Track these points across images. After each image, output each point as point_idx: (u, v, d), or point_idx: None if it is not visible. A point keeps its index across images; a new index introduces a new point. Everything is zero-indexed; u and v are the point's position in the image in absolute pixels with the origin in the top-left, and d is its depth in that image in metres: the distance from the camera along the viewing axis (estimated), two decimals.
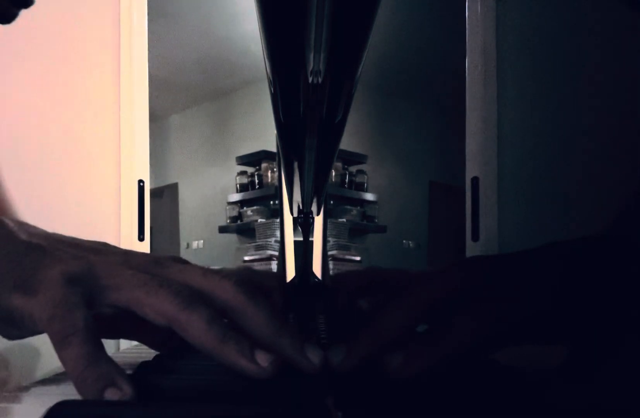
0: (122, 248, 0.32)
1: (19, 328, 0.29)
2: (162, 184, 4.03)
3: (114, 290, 0.28)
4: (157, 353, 0.35)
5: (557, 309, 0.29)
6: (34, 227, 0.32)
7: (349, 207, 3.39)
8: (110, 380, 0.24)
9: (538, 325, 0.29)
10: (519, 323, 0.28)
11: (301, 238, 0.95)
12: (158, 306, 0.27)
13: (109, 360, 0.26)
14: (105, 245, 0.32)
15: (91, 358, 0.25)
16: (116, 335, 0.35)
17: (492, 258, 0.33)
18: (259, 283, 0.38)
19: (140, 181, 1.59)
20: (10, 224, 0.31)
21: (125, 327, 0.34)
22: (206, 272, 0.29)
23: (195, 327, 0.26)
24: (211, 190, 3.89)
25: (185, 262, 0.32)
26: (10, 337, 0.30)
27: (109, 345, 0.29)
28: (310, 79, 0.34)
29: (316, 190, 0.70)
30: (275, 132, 0.55)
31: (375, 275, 0.41)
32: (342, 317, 0.52)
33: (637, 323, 0.29)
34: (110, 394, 0.24)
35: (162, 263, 0.30)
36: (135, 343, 0.38)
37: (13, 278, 0.28)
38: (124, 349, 0.45)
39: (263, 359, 0.26)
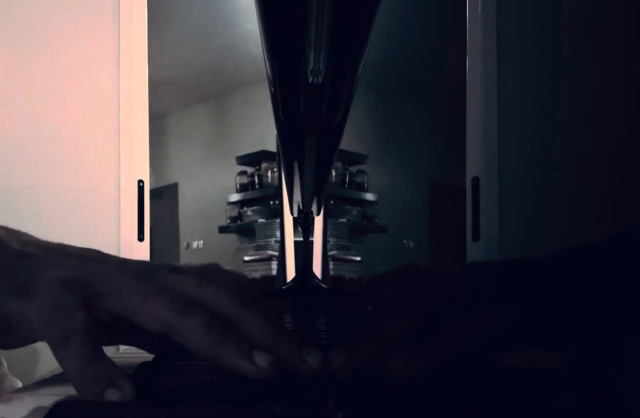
0: (116, 257, 0.32)
1: (14, 336, 0.29)
2: (161, 184, 4.03)
3: (110, 297, 0.28)
4: None
5: (553, 316, 0.29)
6: (27, 235, 0.32)
7: (349, 207, 3.39)
8: (111, 380, 0.24)
9: (537, 330, 0.29)
10: (517, 327, 0.29)
11: (301, 239, 0.95)
12: (154, 313, 0.27)
13: (109, 360, 0.26)
14: (99, 253, 0.32)
15: (91, 358, 0.25)
16: (112, 341, 0.35)
17: (496, 265, 0.33)
18: (251, 288, 0.38)
19: (140, 181, 1.59)
20: (2, 233, 0.31)
21: (122, 333, 0.34)
22: (201, 282, 0.29)
23: (193, 332, 0.26)
24: (211, 190, 3.89)
25: (180, 270, 0.32)
26: (4, 346, 0.30)
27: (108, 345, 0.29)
28: (310, 79, 0.34)
29: (316, 190, 0.70)
30: (275, 132, 0.55)
31: (408, 273, 0.41)
32: (343, 318, 0.52)
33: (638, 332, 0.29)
34: (111, 394, 0.24)
35: (158, 273, 0.30)
36: None
37: (8, 284, 0.28)
38: (124, 350, 0.45)
39: (262, 360, 0.26)
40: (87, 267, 0.29)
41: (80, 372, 0.25)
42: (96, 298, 0.28)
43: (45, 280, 0.27)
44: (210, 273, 0.37)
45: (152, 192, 1.68)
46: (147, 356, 0.36)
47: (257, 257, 3.22)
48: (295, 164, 0.56)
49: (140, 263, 0.31)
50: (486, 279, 0.31)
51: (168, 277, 0.30)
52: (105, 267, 0.29)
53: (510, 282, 0.30)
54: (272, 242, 3.22)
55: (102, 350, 0.26)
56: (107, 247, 1.50)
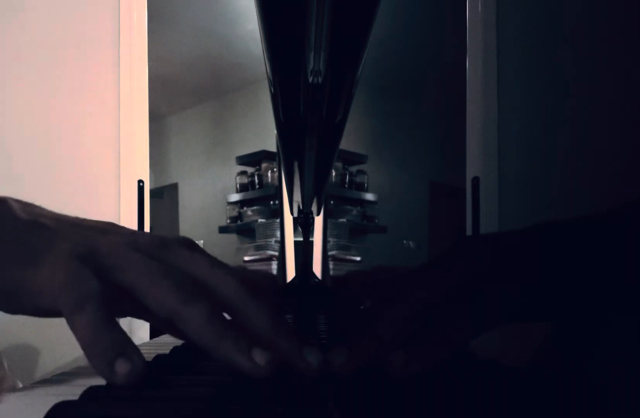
0: (129, 229, 0.32)
1: (23, 303, 0.29)
2: (162, 184, 4.03)
3: (119, 271, 0.28)
4: (158, 353, 0.35)
5: (545, 291, 0.29)
6: (40, 208, 0.32)
7: (349, 207, 3.39)
8: (122, 349, 0.24)
9: (532, 310, 0.29)
10: (512, 311, 0.29)
11: (301, 239, 0.95)
12: (160, 298, 0.27)
13: (121, 329, 0.26)
14: (112, 225, 0.32)
15: (103, 325, 0.25)
16: (124, 313, 0.34)
17: (485, 244, 0.33)
18: (256, 283, 0.38)
19: (140, 181, 1.59)
20: (15, 205, 0.31)
21: (132, 305, 0.34)
22: (213, 264, 0.29)
23: (195, 322, 0.26)
24: (211, 190, 3.89)
25: (193, 246, 0.31)
26: (11, 311, 0.30)
27: None
28: (310, 79, 0.34)
29: (316, 190, 0.70)
30: (275, 132, 0.55)
31: (381, 274, 0.41)
32: (342, 316, 0.52)
33: (629, 305, 0.29)
34: (121, 366, 0.24)
35: (170, 248, 0.30)
36: (135, 343, 0.38)
37: (20, 253, 0.28)
38: None
39: (260, 357, 0.26)
40: (98, 239, 0.29)
41: (92, 339, 0.25)
42: (106, 271, 0.28)
43: (57, 251, 0.27)
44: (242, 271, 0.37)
45: (152, 192, 1.68)
46: (147, 356, 0.36)
47: (257, 257, 3.22)
48: (295, 164, 0.56)
49: (153, 237, 0.30)
50: (479, 263, 0.30)
51: (180, 255, 0.29)
52: (117, 240, 0.29)
53: (503, 264, 0.30)
54: (272, 242, 3.21)
55: (115, 318, 0.26)
56: None
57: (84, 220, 0.32)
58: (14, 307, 0.29)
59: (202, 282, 0.28)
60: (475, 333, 0.28)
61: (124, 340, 0.25)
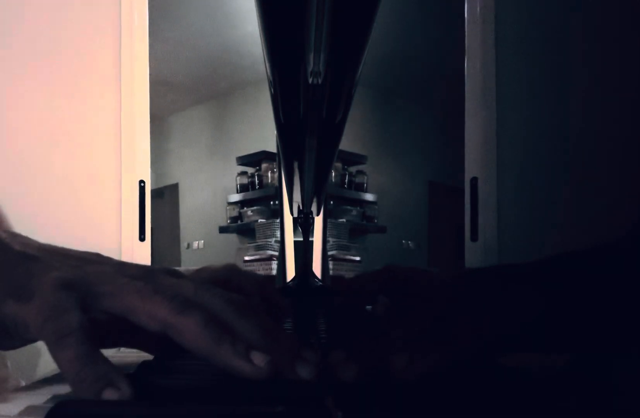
0: (115, 259, 0.32)
1: (11, 337, 0.29)
2: (162, 184, 4.02)
3: (108, 297, 0.28)
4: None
5: (553, 316, 0.29)
6: (28, 239, 0.32)
7: (349, 207, 3.39)
8: (108, 380, 0.24)
9: (539, 331, 0.29)
10: (517, 328, 0.29)
11: (301, 239, 0.95)
12: (153, 312, 0.27)
13: (106, 360, 0.26)
14: (99, 255, 0.33)
15: (88, 358, 0.25)
16: (109, 344, 0.34)
17: (497, 269, 0.33)
18: (251, 289, 0.39)
19: (141, 181, 1.59)
20: (4, 235, 0.31)
21: (119, 334, 0.34)
22: (198, 288, 0.29)
23: (191, 331, 0.26)
24: (211, 190, 3.89)
25: (179, 276, 0.32)
26: (2, 348, 0.30)
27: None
28: (310, 79, 0.34)
29: (316, 191, 0.70)
30: (275, 132, 0.55)
31: (391, 274, 0.42)
32: (343, 318, 0.52)
33: None
34: (109, 394, 0.24)
35: (156, 275, 0.30)
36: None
37: (6, 286, 0.28)
38: (124, 349, 0.45)
39: (259, 359, 0.26)
40: (86, 267, 0.29)
41: (77, 372, 0.25)
42: (94, 298, 0.28)
43: (43, 282, 0.27)
44: (229, 274, 0.37)
45: (153, 193, 1.68)
46: (147, 356, 0.36)
47: (257, 257, 3.22)
48: (295, 164, 0.56)
49: (138, 266, 0.31)
50: (490, 282, 0.31)
51: (166, 280, 0.30)
52: (104, 268, 0.30)
53: (514, 285, 0.30)
54: (272, 242, 3.21)
55: (99, 350, 0.26)
56: (109, 247, 1.50)
57: (71, 250, 0.32)
58: (4, 343, 0.30)
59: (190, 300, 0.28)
60: (478, 339, 0.28)
61: (109, 371, 0.25)
